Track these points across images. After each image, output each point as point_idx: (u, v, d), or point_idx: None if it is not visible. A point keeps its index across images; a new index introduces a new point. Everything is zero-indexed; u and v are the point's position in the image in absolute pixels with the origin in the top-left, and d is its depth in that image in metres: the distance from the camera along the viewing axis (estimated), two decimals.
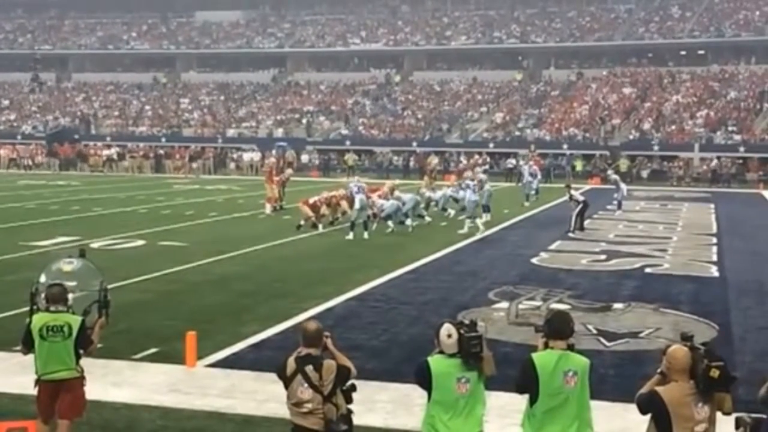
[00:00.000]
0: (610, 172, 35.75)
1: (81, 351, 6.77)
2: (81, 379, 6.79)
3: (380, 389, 8.84)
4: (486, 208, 24.71)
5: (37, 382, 6.78)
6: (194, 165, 47.91)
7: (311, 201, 22.68)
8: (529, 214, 27.66)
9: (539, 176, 34.27)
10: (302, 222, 22.25)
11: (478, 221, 22.26)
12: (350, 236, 20.59)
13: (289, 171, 30.98)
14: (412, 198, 23.11)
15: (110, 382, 9.08)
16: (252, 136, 56.24)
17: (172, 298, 13.61)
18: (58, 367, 6.68)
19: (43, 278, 7.27)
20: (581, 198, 23.02)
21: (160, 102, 65.14)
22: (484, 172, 32.48)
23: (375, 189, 24.34)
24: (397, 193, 22.87)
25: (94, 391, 7.52)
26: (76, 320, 6.74)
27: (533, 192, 31.80)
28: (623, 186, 29.21)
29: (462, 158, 48.44)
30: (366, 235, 20.95)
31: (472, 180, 24.45)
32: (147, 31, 73.92)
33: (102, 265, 8.47)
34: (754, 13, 60.03)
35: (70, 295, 6.87)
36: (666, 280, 15.81)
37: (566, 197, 23.73)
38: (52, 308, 6.73)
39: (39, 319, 6.74)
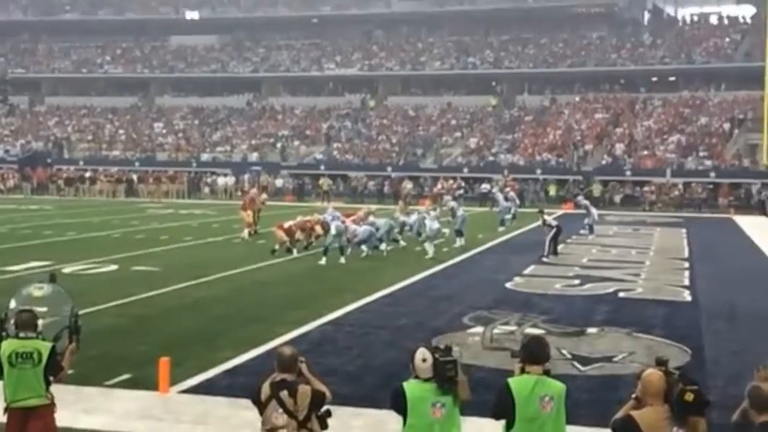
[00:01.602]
0: (580, 197, 35.92)
1: (51, 378, 6.67)
2: (51, 406, 6.68)
3: (355, 415, 8.79)
4: (459, 233, 24.77)
5: (7, 409, 6.67)
6: (164, 188, 47.55)
7: (286, 226, 22.65)
8: (504, 238, 27.75)
9: (517, 201, 34.30)
10: (277, 246, 22.20)
11: (429, 247, 22.23)
12: (323, 261, 20.56)
13: (263, 196, 30.90)
14: (386, 222, 23.17)
15: (81, 408, 8.95)
16: (226, 160, 56.09)
17: (145, 323, 13.50)
18: (28, 394, 6.57)
19: (12, 304, 7.18)
20: (554, 223, 23.14)
21: (133, 126, 64.90)
22: (459, 197, 32.69)
23: (350, 214, 24.42)
24: (371, 218, 22.91)
25: (64, 418, 7.40)
26: (46, 346, 6.64)
27: (509, 217, 31.90)
28: (594, 210, 29.40)
29: (439, 183, 48.61)
30: (342, 260, 20.93)
31: (434, 209, 24.99)
32: (121, 54, 73.75)
33: (74, 290, 8.38)
34: (723, 40, 60.94)
35: (40, 321, 6.78)
36: (639, 304, 15.89)
37: (539, 222, 23.85)
38: (21, 334, 6.64)
39: (8, 346, 6.63)
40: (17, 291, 7.43)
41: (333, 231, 21.26)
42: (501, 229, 30.04)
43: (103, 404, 9.22)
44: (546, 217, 23.55)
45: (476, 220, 33.10)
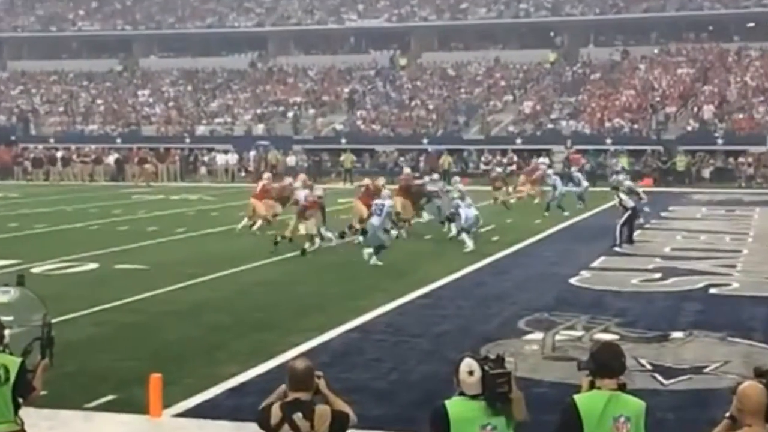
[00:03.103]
0: (543, 165, 37.25)
1: (21, 399, 6.74)
2: None
3: None
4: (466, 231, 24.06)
5: None
6: (147, 167, 47.74)
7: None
8: (567, 224, 27.66)
9: (583, 182, 33.60)
10: (307, 245, 21.61)
11: (467, 239, 21.97)
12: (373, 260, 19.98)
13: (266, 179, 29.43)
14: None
15: None
16: (227, 134, 56.26)
17: (132, 333, 13.59)
18: None
19: None
20: (630, 204, 23.00)
21: (114, 95, 65.27)
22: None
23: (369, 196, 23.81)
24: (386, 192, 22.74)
25: None
26: (13, 362, 6.70)
27: (579, 202, 31.57)
28: (560, 185, 30.56)
29: (485, 157, 48.46)
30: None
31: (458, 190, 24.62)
32: (97, 8, 74.14)
33: (46, 294, 8.45)
34: None
35: (7, 332, 6.84)
36: (735, 302, 15.80)
37: (614, 202, 23.65)
38: None
39: None
40: None
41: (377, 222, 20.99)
42: (565, 213, 29.61)
43: (82, 431, 9.30)
44: (622, 195, 23.35)
45: (532, 201, 33.04)
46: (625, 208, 22.70)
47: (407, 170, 31.56)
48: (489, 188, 33.65)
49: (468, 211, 22.56)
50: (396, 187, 26.23)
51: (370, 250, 19.81)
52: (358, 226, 22.65)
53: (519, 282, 17.98)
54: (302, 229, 21.81)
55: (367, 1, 68.59)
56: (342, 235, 23.07)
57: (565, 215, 29.20)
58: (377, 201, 20.74)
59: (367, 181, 25.62)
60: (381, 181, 25.28)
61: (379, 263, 19.54)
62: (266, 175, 30.18)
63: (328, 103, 59.80)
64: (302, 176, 27.68)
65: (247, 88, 63.77)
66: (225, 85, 64.80)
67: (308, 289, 17.04)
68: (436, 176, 29.64)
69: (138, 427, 9.41)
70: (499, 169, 38.36)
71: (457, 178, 29.59)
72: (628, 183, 28.50)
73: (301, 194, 22.67)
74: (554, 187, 31.18)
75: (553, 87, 57.88)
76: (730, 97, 51.96)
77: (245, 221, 25.73)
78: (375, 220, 19.98)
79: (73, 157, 51.60)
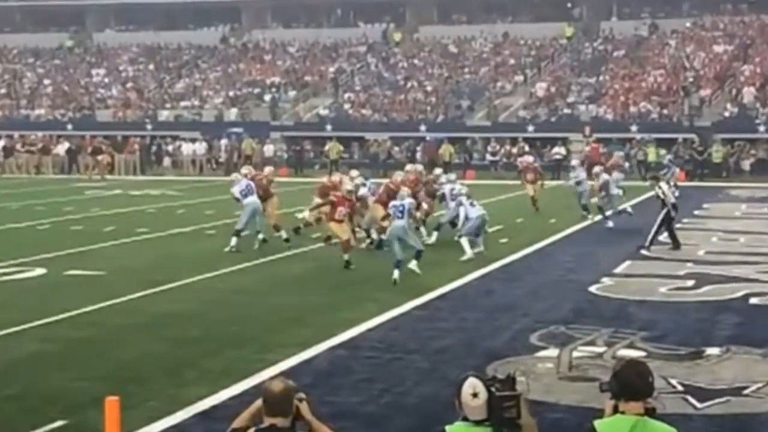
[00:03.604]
0: (446, 185, 31.16)
1: None
2: None
3: None
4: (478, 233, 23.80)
5: None
6: (103, 158, 47.53)
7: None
8: (586, 223, 27.60)
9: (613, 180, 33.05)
10: (334, 238, 21.54)
11: (465, 243, 21.65)
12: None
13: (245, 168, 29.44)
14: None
15: None
16: (194, 120, 56.24)
17: (85, 350, 13.55)
18: None
19: None
20: (672, 199, 22.82)
21: (64, 74, 65.12)
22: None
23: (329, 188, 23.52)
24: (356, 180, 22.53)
25: None
26: None
27: (610, 208, 30.14)
28: (464, 209, 27.12)
29: (491, 146, 48.47)
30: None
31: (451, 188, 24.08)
32: None
33: None
34: None
35: None
36: None
37: (654, 193, 23.11)
38: None
39: None
40: None
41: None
42: (589, 217, 29.13)
43: None
44: (663, 186, 23.18)
45: (548, 197, 32.99)
46: (664, 204, 22.48)
47: (418, 167, 29.77)
48: (516, 182, 33.16)
49: (471, 210, 22.11)
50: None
51: (397, 272, 18.88)
52: (375, 236, 22.36)
53: (531, 290, 17.94)
54: (339, 232, 20.91)
55: None
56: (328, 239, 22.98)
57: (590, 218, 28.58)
58: (395, 203, 19.97)
59: (335, 178, 24.85)
60: (399, 176, 24.57)
61: (419, 271, 18.97)
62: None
63: (311, 84, 59.78)
64: (269, 168, 27.32)
65: (217, 66, 63.73)
66: (192, 64, 64.75)
67: (288, 299, 16.99)
68: (438, 171, 29.24)
69: None
70: (530, 159, 37.42)
71: (438, 170, 28.36)
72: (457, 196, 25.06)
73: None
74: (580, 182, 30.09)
75: (570, 66, 57.92)
76: None
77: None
78: (401, 223, 19.23)
79: (17, 147, 51.47)
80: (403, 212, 19.28)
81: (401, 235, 18.97)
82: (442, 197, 24.81)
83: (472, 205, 22.32)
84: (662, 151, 46.17)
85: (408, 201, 19.92)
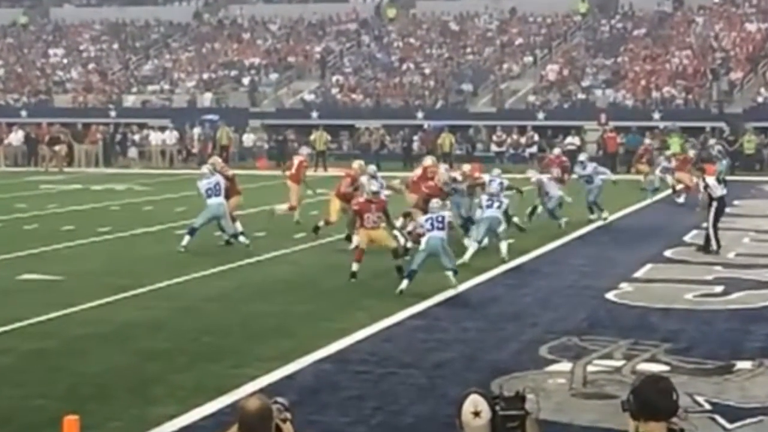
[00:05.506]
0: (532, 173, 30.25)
1: None
2: None
3: None
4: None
5: None
6: (60, 148, 47.35)
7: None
8: (602, 223, 27.60)
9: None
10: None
11: (470, 245, 21.69)
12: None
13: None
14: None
15: None
16: (164, 106, 56.25)
17: (42, 363, 13.55)
18: None
19: None
20: (719, 192, 22.67)
21: (17, 54, 65.09)
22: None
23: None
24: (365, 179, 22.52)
25: None
26: None
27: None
28: (554, 191, 27.03)
29: (497, 136, 48.51)
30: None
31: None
32: None
33: None
34: None
35: None
36: None
37: (699, 185, 23.11)
38: None
39: None
40: None
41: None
42: (592, 216, 29.13)
43: None
44: (709, 179, 23.18)
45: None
46: (711, 198, 22.48)
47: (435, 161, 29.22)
48: (522, 176, 33.13)
49: (485, 212, 21.95)
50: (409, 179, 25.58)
51: (406, 283, 18.88)
52: (409, 245, 21.92)
53: (541, 297, 18.01)
54: (356, 241, 20.88)
55: None
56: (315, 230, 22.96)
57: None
58: (431, 215, 19.37)
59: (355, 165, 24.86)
60: (356, 164, 24.54)
61: (455, 283, 18.63)
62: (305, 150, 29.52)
63: (294, 65, 59.85)
64: (215, 159, 26.23)
65: (190, 46, 63.79)
66: (162, 43, 64.81)
67: (269, 307, 17.03)
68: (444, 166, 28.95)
69: None
70: (648, 141, 39.91)
71: (438, 164, 28.19)
72: (537, 176, 27.13)
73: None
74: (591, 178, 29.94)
75: (585, 46, 58.03)
76: None
77: (321, 222, 24.62)
78: (439, 234, 18.79)
79: None
80: (443, 224, 18.95)
81: (438, 249, 18.51)
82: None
83: (489, 206, 22.03)
84: (689, 142, 46.07)
85: (447, 213, 19.67)
